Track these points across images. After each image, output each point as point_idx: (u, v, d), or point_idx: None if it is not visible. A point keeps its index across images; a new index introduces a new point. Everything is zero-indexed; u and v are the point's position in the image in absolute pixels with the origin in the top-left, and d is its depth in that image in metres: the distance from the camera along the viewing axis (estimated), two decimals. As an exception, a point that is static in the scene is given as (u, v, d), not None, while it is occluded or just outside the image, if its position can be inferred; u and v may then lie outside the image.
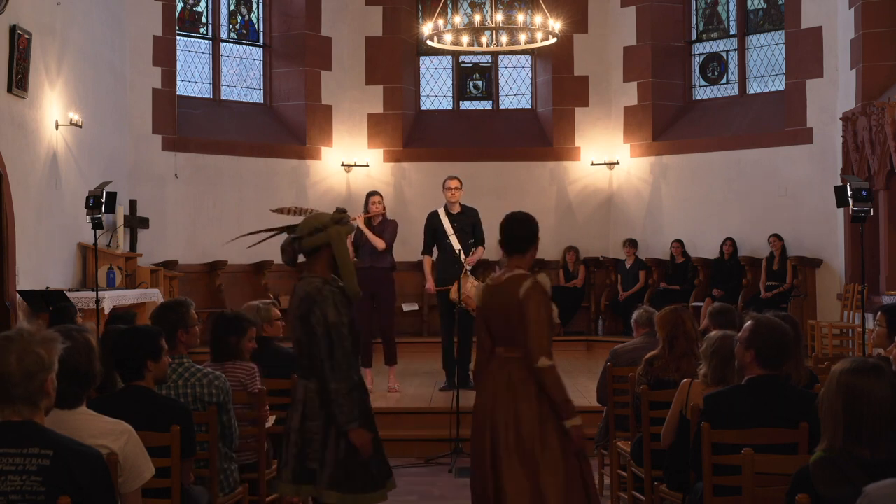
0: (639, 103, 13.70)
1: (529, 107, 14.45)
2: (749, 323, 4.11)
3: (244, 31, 13.86)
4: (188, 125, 12.77)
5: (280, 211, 4.79)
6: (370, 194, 9.12)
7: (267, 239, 4.71)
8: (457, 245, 8.79)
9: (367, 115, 13.88)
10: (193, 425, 4.15)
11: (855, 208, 7.91)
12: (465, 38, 10.99)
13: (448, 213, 8.95)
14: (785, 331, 4.07)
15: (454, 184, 8.97)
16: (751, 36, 13.59)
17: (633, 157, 13.77)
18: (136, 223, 11.66)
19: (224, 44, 13.61)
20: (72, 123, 9.78)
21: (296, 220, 4.56)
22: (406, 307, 12.98)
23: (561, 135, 13.94)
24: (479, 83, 14.59)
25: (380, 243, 8.78)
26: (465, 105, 14.59)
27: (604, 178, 13.90)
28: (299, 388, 4.40)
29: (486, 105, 14.56)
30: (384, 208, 9.01)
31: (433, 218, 9.02)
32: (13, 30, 8.49)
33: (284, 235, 4.58)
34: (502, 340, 4.22)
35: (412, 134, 14.14)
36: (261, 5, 13.88)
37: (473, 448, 4.34)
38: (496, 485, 4.12)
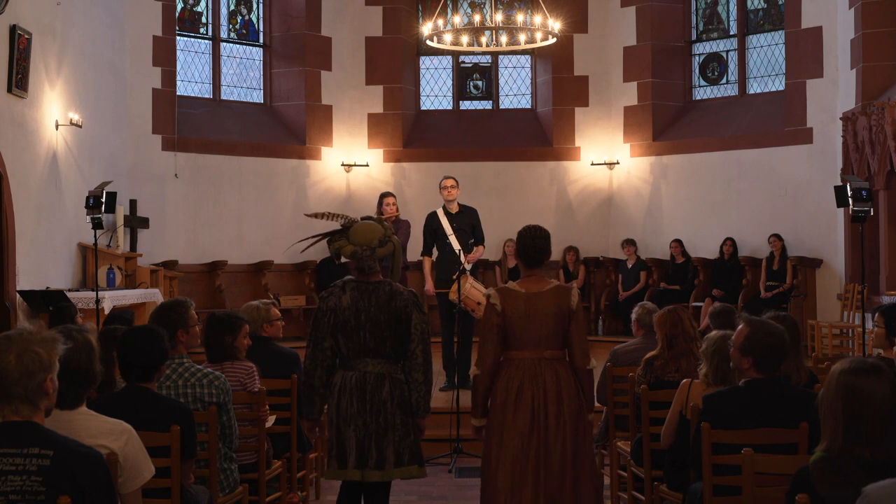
0: (639, 103, 13.71)
1: (529, 107, 14.45)
2: (744, 328, 4.07)
3: (244, 31, 13.86)
4: (188, 125, 12.77)
5: (315, 215, 5.14)
6: (384, 195, 9.11)
7: (315, 243, 5.02)
8: (457, 245, 8.76)
9: (367, 115, 13.88)
10: (195, 426, 4.14)
11: (855, 208, 7.89)
12: (465, 38, 10.99)
13: (447, 213, 8.93)
14: (780, 334, 4.05)
15: (450, 183, 8.95)
16: (751, 36, 13.59)
17: (633, 157, 13.77)
18: (136, 223, 11.66)
19: (224, 44, 13.62)
20: (72, 123, 9.78)
21: (333, 225, 4.90)
22: (406, 307, 12.96)
23: (561, 135, 13.95)
24: (479, 83, 14.60)
25: None
26: (465, 105, 14.60)
27: (604, 178, 13.91)
28: (383, 384, 4.64)
29: (486, 105, 14.57)
30: (398, 209, 9.02)
31: (432, 219, 8.99)
32: (13, 30, 8.49)
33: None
34: (539, 344, 4.61)
35: (412, 134, 14.15)
36: (261, 5, 13.88)
37: (506, 443, 4.59)
38: (542, 471, 4.56)
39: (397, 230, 8.98)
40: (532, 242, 4.71)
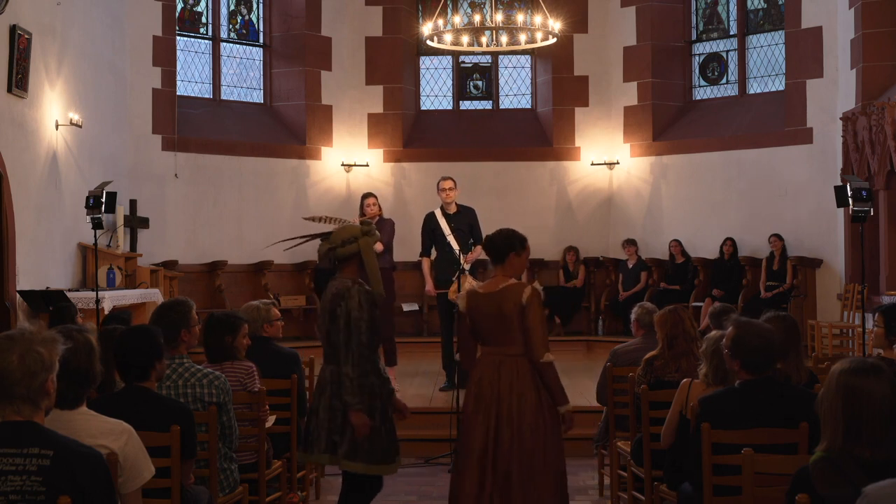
0: (639, 103, 13.71)
1: (529, 107, 14.45)
2: (731, 331, 4.10)
3: (244, 31, 13.86)
4: (188, 125, 12.77)
5: (312, 219, 5.37)
6: (365, 196, 9.10)
7: (302, 243, 5.19)
8: (456, 246, 8.76)
9: (367, 115, 13.88)
10: (195, 426, 4.14)
11: (855, 208, 7.90)
12: (465, 38, 10.99)
13: (445, 214, 8.92)
14: (767, 335, 4.05)
15: (448, 184, 8.95)
16: (751, 36, 13.59)
17: (633, 157, 13.77)
18: (136, 223, 11.66)
19: (224, 44, 13.61)
20: (72, 123, 9.79)
21: (328, 227, 5.08)
22: (406, 307, 12.99)
23: (561, 135, 13.95)
24: (479, 83, 14.59)
25: (377, 246, 8.79)
26: (465, 105, 14.59)
27: (604, 178, 13.91)
28: (326, 371, 4.84)
29: (486, 105, 14.56)
30: (380, 209, 8.98)
31: (430, 219, 9.00)
32: (13, 30, 8.50)
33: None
34: (500, 340, 4.77)
35: (412, 134, 14.15)
36: (261, 5, 13.87)
37: (467, 435, 4.80)
38: (493, 466, 4.72)
39: (380, 229, 8.95)
40: (499, 235, 4.91)
